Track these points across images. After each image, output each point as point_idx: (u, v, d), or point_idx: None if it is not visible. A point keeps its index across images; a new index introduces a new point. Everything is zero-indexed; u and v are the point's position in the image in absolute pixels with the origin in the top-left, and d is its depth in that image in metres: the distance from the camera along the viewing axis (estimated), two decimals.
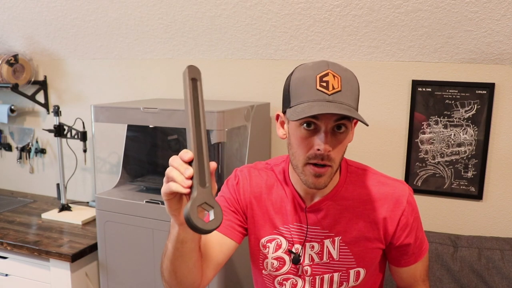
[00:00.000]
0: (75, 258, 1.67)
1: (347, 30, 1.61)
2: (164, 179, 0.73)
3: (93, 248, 1.74)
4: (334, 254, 1.00)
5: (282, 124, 0.98)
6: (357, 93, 0.90)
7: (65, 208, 2.05)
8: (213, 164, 0.70)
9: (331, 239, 1.00)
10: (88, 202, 2.20)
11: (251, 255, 1.11)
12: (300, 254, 1.02)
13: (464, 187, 1.64)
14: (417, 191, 1.68)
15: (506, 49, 1.48)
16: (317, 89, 0.85)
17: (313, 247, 1.02)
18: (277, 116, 1.00)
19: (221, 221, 0.66)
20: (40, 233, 1.83)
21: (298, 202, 1.02)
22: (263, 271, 1.07)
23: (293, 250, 1.03)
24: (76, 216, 1.99)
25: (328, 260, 1.01)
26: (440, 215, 1.69)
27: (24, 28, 2.09)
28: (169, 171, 0.70)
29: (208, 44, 1.87)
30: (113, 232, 1.63)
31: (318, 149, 0.86)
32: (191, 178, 0.67)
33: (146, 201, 1.56)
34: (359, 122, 0.94)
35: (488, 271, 1.44)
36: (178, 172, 0.68)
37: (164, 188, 0.72)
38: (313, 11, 1.59)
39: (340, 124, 0.87)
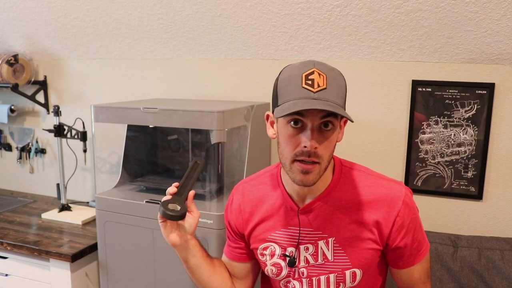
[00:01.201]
0: (75, 258, 1.66)
1: (347, 30, 1.61)
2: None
3: (93, 248, 1.74)
4: (329, 255, 1.00)
5: (272, 124, 0.99)
6: (344, 91, 0.90)
7: (65, 208, 2.05)
8: (192, 191, 1.04)
9: (325, 240, 1.00)
10: (88, 202, 2.20)
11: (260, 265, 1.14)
12: (295, 257, 1.02)
13: (464, 187, 1.64)
14: (417, 191, 1.68)
15: (506, 49, 1.48)
16: (303, 87, 0.86)
17: (307, 248, 1.02)
18: (267, 116, 1.01)
19: (181, 212, 0.97)
20: (40, 233, 1.83)
21: (291, 206, 1.03)
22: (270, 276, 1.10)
23: (287, 253, 1.03)
24: (76, 216, 1.99)
25: (323, 262, 1.01)
26: (440, 215, 1.69)
27: (24, 28, 2.09)
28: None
29: (208, 44, 1.87)
30: (113, 232, 1.63)
31: (305, 146, 0.87)
32: (172, 194, 1.02)
33: (146, 201, 1.56)
34: (349, 121, 0.95)
35: (488, 271, 1.44)
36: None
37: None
38: (313, 11, 1.59)
39: (327, 122, 0.88)
